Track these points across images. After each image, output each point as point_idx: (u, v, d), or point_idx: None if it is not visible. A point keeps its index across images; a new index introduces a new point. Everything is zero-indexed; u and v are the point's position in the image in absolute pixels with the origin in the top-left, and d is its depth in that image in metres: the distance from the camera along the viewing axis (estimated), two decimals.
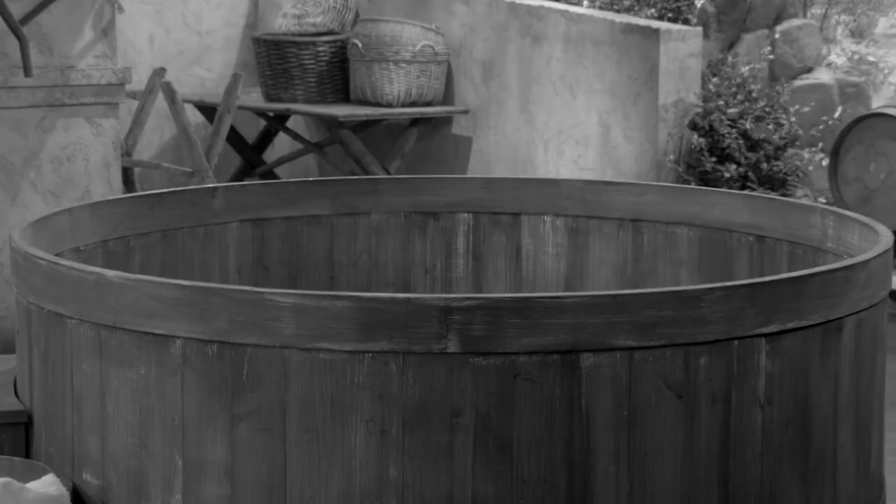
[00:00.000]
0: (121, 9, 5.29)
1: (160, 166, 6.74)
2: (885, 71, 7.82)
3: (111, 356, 2.86)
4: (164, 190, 4.06)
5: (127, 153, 6.51)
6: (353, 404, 2.69)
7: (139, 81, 7.07)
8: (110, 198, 4.07)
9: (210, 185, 4.19)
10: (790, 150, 6.71)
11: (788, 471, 2.89)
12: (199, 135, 7.08)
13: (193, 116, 7.45)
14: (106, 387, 2.87)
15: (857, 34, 8.28)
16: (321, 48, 7.18)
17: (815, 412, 2.93)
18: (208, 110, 7.43)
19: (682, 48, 6.38)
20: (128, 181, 6.57)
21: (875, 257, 3.08)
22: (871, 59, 7.84)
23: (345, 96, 7.27)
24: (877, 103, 7.49)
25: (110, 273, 2.87)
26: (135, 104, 6.87)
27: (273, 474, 2.73)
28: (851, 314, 2.99)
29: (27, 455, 3.11)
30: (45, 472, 2.91)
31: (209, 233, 4.03)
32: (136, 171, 7.02)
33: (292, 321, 2.68)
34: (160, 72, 6.59)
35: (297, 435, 2.71)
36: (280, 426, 2.72)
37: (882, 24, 8.56)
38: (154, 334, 2.79)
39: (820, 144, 7.16)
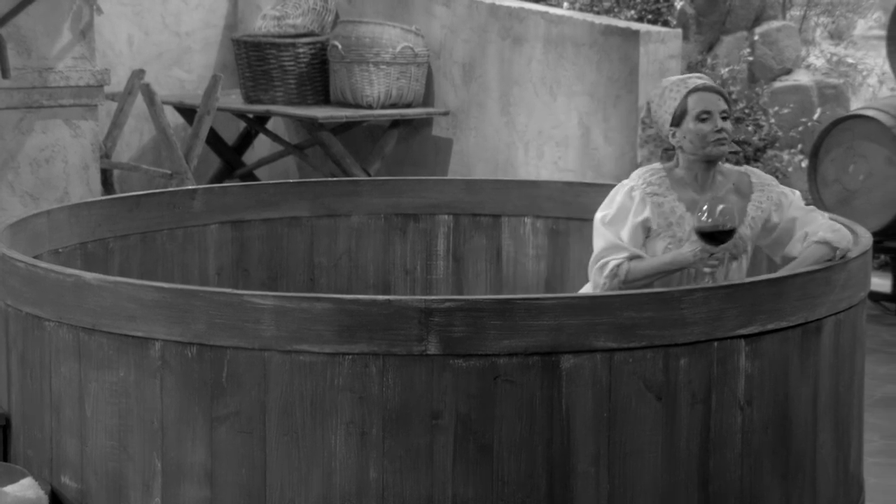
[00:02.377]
0: (99, 10, 5.27)
1: (139, 168, 6.72)
2: (864, 73, 7.86)
3: (90, 359, 2.84)
4: (144, 192, 4.05)
5: (106, 155, 6.49)
6: (333, 406, 2.68)
7: (118, 83, 7.05)
8: (89, 200, 4.06)
9: (189, 187, 4.18)
10: (770, 152, 6.74)
11: (768, 472, 2.90)
12: (178, 136, 7.05)
13: (173, 118, 7.43)
14: (85, 389, 2.86)
15: (836, 36, 8.32)
16: (301, 50, 7.17)
17: (794, 413, 2.94)
18: (188, 112, 7.40)
19: (662, 50, 6.39)
20: (107, 183, 6.55)
21: (854, 259, 3.10)
22: (849, 60, 7.88)
23: (325, 98, 7.26)
24: (855, 105, 7.53)
25: (89, 275, 2.85)
26: (114, 106, 6.84)
27: (253, 477, 2.72)
28: (831, 315, 3.01)
29: (5, 458, 3.09)
30: (23, 476, 2.90)
31: (189, 235, 4.02)
32: (115, 172, 6.99)
33: (272, 323, 2.67)
34: (139, 73, 6.57)
35: (277, 437, 2.71)
36: (260, 428, 2.71)
37: (860, 26, 8.60)
38: (133, 337, 2.77)
39: (799, 146, 7.19)
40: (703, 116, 3.16)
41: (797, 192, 3.32)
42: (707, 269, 3.11)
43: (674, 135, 3.23)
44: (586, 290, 3.35)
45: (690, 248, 3.12)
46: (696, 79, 3.23)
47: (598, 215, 3.27)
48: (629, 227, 3.20)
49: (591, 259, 3.24)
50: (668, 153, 3.29)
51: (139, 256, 3.91)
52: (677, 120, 3.20)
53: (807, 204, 3.33)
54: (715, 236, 3.06)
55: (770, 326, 2.86)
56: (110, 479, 2.84)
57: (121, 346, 2.79)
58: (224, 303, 2.69)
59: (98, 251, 3.79)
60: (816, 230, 3.17)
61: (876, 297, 6.34)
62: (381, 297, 2.65)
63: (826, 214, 3.26)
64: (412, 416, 2.66)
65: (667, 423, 2.76)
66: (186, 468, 2.76)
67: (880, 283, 6.41)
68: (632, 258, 3.18)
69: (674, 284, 3.21)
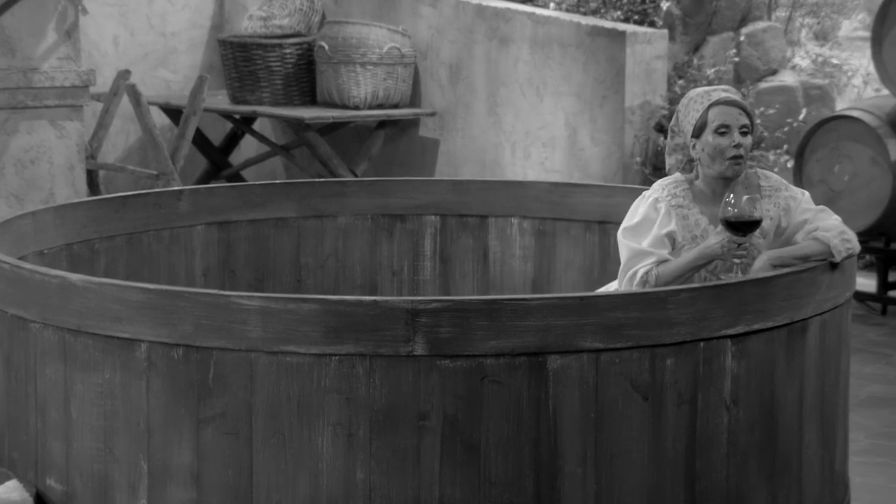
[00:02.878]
0: (84, 10, 5.26)
1: (125, 169, 6.70)
2: (849, 73, 7.88)
3: (75, 360, 2.83)
4: (130, 193, 4.04)
5: (91, 156, 6.47)
6: (319, 407, 2.68)
7: (104, 83, 7.03)
8: (74, 201, 4.04)
9: (176, 188, 4.17)
10: (755, 152, 6.75)
11: (754, 472, 2.90)
12: (164, 137, 7.04)
13: (159, 119, 7.41)
14: (70, 391, 2.85)
15: (821, 37, 8.34)
16: (287, 50, 7.16)
17: (780, 413, 2.94)
18: (174, 113, 7.39)
19: (648, 50, 6.40)
20: (92, 184, 6.53)
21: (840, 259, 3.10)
22: (834, 61, 7.90)
23: (311, 98, 7.25)
24: (841, 105, 7.54)
25: (74, 277, 2.84)
26: (99, 106, 6.82)
27: (239, 478, 2.72)
28: (816, 315, 3.01)
29: None
30: (7, 478, 2.88)
31: (175, 236, 4.01)
32: (101, 173, 6.97)
33: (258, 324, 2.67)
34: (125, 74, 6.55)
35: (264, 438, 2.70)
36: (246, 430, 2.71)
37: (845, 27, 8.63)
38: (119, 338, 2.77)
39: (785, 146, 7.20)
40: (722, 130, 3.15)
41: (806, 194, 3.27)
42: (736, 261, 3.09)
43: (694, 146, 3.21)
44: (607, 289, 3.34)
45: (716, 239, 3.09)
46: (721, 91, 3.20)
47: (622, 228, 3.25)
48: (653, 237, 3.18)
49: (620, 271, 3.22)
50: (691, 164, 3.28)
51: (125, 258, 3.90)
52: (697, 132, 3.18)
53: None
54: (742, 226, 3.04)
55: (756, 326, 2.86)
56: (96, 481, 2.83)
57: (106, 347, 2.78)
58: (210, 304, 2.69)
59: (84, 252, 3.78)
60: (827, 228, 3.12)
61: (861, 297, 6.36)
62: (367, 297, 2.65)
63: (838, 219, 3.21)
64: (399, 417, 2.66)
65: (653, 423, 2.76)
66: (173, 470, 2.75)
67: (865, 282, 6.43)
68: (659, 263, 3.16)
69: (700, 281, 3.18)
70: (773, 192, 3.23)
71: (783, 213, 3.23)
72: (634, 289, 3.15)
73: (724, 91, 3.21)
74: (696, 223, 3.20)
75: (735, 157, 3.15)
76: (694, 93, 3.24)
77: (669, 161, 3.31)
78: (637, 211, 3.25)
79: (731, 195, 3.04)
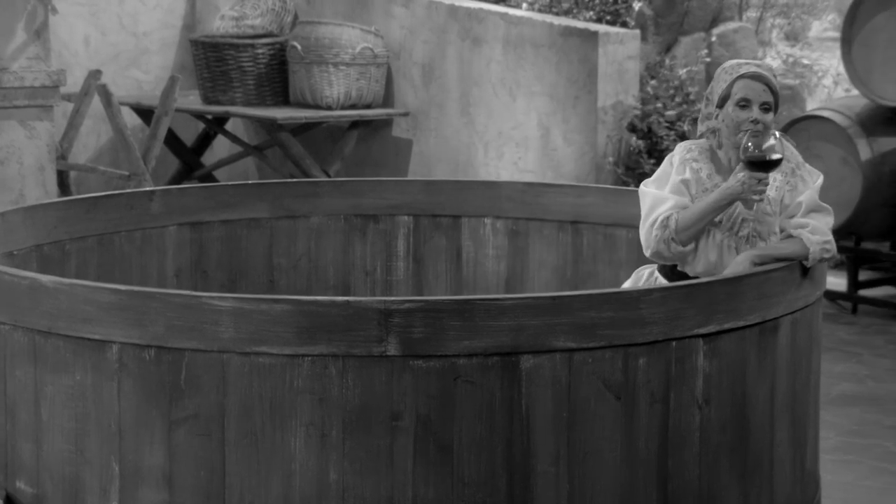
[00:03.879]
0: (54, 10, 5.23)
1: (96, 169, 6.66)
2: (819, 73, 7.93)
3: (46, 362, 2.82)
4: (101, 193, 4.02)
5: (62, 156, 6.43)
6: (292, 408, 2.67)
7: (74, 84, 6.98)
8: (45, 201, 4.02)
9: (147, 189, 4.15)
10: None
11: (726, 471, 2.92)
12: (136, 138, 7.00)
13: (130, 119, 7.37)
14: (40, 393, 2.83)
15: (792, 37, 8.39)
16: (260, 50, 7.14)
17: (752, 412, 2.96)
18: (145, 113, 7.35)
19: (621, 51, 6.42)
20: (63, 184, 6.49)
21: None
22: (805, 62, 7.95)
23: (284, 99, 7.23)
24: (811, 106, 7.59)
25: (45, 278, 2.83)
26: (70, 107, 6.78)
27: (212, 480, 2.71)
28: (787, 314, 3.03)
29: None
30: None
31: (147, 237, 3.99)
32: (72, 174, 6.93)
33: (231, 325, 2.66)
34: (95, 74, 6.51)
35: (236, 440, 2.69)
36: (218, 431, 2.70)
37: (816, 28, 8.68)
38: (90, 340, 2.75)
39: None
40: (743, 104, 3.16)
41: (819, 179, 3.24)
42: (756, 198, 3.09)
43: (716, 116, 3.23)
44: (627, 285, 3.36)
45: (736, 179, 3.12)
46: (753, 66, 3.21)
47: (643, 183, 3.30)
48: (671, 184, 3.21)
49: (641, 223, 3.24)
50: (716, 133, 3.30)
51: (96, 258, 3.88)
52: (721, 102, 3.21)
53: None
54: (763, 164, 3.06)
55: (727, 326, 2.87)
56: (67, 484, 2.81)
57: (77, 349, 2.77)
58: (182, 305, 2.68)
59: (54, 253, 3.76)
60: (815, 231, 3.12)
61: (832, 296, 6.40)
62: (340, 298, 2.65)
63: (831, 215, 3.20)
64: (372, 417, 2.66)
65: (626, 422, 2.77)
66: (145, 471, 2.74)
67: (836, 282, 6.47)
68: (679, 209, 3.17)
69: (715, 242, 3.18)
70: (784, 164, 3.22)
71: (789, 190, 3.22)
72: (654, 233, 3.16)
73: (756, 66, 3.21)
74: (708, 177, 3.22)
75: (753, 132, 3.14)
76: (728, 63, 3.26)
77: (700, 128, 3.33)
78: (658, 169, 3.30)
79: (750, 139, 3.06)
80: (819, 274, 3.17)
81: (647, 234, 3.20)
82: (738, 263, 3.09)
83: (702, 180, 3.23)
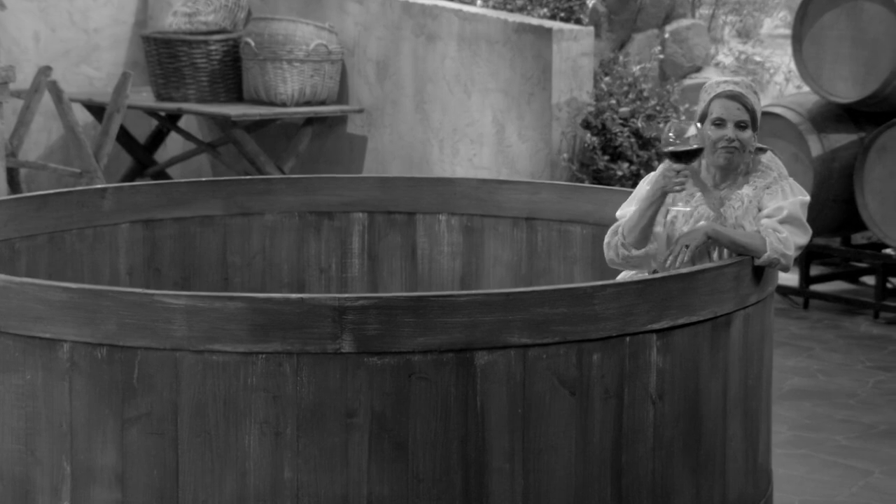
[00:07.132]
0: (3, 6, 5.16)
1: (47, 167, 6.59)
2: (771, 70, 8.00)
3: None
4: (52, 191, 3.97)
5: (12, 153, 6.36)
6: (246, 406, 2.66)
7: (24, 80, 6.91)
8: None
9: (99, 186, 4.11)
10: None
11: (679, 465, 2.94)
12: (88, 135, 6.94)
13: (82, 116, 7.30)
14: None
15: (744, 34, 8.45)
16: (213, 47, 7.09)
17: (705, 406, 2.98)
18: (97, 110, 7.29)
19: (575, 47, 6.44)
20: (13, 182, 6.42)
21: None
22: (757, 58, 8.01)
23: (238, 95, 7.19)
24: (763, 102, 7.65)
25: None
26: (20, 104, 6.71)
27: (165, 479, 2.69)
28: (740, 309, 3.05)
29: None
30: None
31: (99, 234, 3.96)
32: (22, 171, 6.85)
33: (184, 323, 2.64)
34: (45, 70, 6.45)
35: (190, 438, 2.68)
36: (172, 430, 2.68)
37: (767, 25, 8.75)
38: (41, 338, 2.72)
39: None
40: (717, 122, 3.24)
41: (806, 197, 3.24)
42: (677, 188, 3.16)
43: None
44: (623, 277, 3.40)
45: (659, 171, 3.21)
46: (728, 84, 3.28)
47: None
48: (636, 194, 3.31)
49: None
50: None
51: (47, 257, 3.84)
52: (701, 120, 3.30)
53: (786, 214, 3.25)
54: (679, 155, 3.15)
55: (681, 321, 2.89)
56: (17, 484, 2.78)
57: (27, 347, 2.74)
58: (134, 303, 2.66)
59: (4, 252, 3.71)
60: (780, 239, 3.13)
61: (784, 291, 6.46)
62: (294, 295, 2.64)
63: (807, 235, 3.19)
64: (327, 414, 2.65)
65: (580, 418, 2.78)
66: (96, 471, 2.71)
67: (788, 277, 6.53)
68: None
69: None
70: (765, 170, 3.27)
71: (769, 195, 3.24)
72: (606, 240, 3.29)
73: (734, 85, 3.27)
74: (690, 193, 3.27)
75: (726, 148, 3.22)
76: (709, 82, 3.35)
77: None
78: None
79: (671, 129, 3.16)
80: (772, 270, 3.20)
81: (605, 249, 3.31)
82: (696, 230, 3.17)
83: (682, 196, 3.27)
